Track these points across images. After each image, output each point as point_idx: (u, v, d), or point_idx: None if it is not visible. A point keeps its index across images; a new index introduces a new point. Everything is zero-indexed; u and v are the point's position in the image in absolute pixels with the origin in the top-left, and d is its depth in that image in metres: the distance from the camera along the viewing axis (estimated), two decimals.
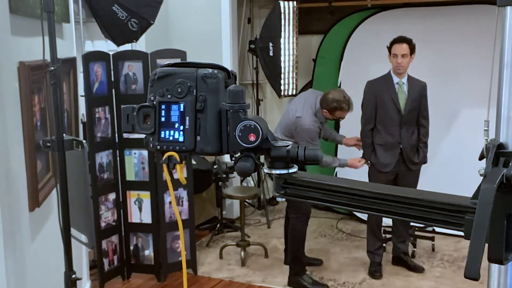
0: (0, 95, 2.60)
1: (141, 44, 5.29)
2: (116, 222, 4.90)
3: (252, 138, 1.15)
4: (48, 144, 2.80)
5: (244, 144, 1.15)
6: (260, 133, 1.15)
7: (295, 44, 6.22)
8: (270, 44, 6.03)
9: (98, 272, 4.79)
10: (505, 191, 0.90)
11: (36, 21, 2.81)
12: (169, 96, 1.19)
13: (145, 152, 4.84)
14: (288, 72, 6.21)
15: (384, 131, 4.90)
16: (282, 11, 6.01)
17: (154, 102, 1.21)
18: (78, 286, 3.01)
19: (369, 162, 4.94)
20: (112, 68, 4.76)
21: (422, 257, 5.49)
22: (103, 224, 4.77)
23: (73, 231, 3.01)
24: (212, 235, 5.98)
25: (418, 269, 5.16)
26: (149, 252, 4.97)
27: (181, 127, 1.19)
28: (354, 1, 6.55)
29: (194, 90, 1.18)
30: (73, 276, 2.92)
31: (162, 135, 1.21)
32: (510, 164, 0.91)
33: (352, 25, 6.52)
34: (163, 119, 1.20)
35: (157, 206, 4.89)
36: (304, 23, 6.50)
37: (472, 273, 0.96)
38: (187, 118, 1.18)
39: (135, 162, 4.87)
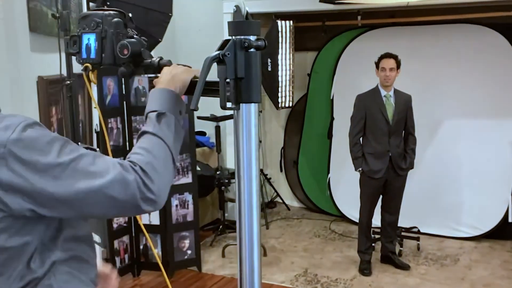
0: (21, 106, 2.60)
1: None
2: (127, 224, 4.89)
3: (125, 51, 1.55)
4: None
5: (121, 56, 1.56)
6: (130, 49, 1.55)
7: (291, 60, 6.22)
8: (269, 60, 6.03)
9: None
10: (221, 63, 1.28)
11: (54, 39, 2.81)
12: (87, 29, 1.62)
13: None
14: (285, 86, 6.21)
15: (374, 140, 4.90)
16: (280, 29, 6.02)
17: (79, 33, 1.64)
18: None
19: (360, 169, 4.93)
20: (123, 82, 4.76)
21: (408, 255, 5.48)
22: (115, 226, 4.76)
23: None
24: (215, 236, 5.96)
25: (404, 267, 5.15)
26: (157, 251, 4.96)
27: (93, 49, 1.62)
28: (345, 21, 6.54)
29: (101, 25, 1.60)
30: None
31: (83, 54, 1.64)
32: (225, 48, 1.26)
33: (343, 43, 6.53)
34: (83, 43, 1.64)
35: (165, 209, 4.88)
36: (300, 40, 6.50)
37: (193, 106, 1.31)
38: (97, 43, 1.60)
39: None
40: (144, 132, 1.46)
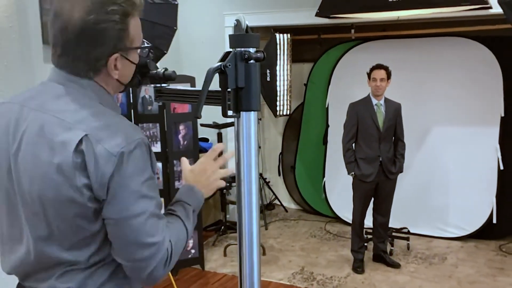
0: None
1: None
2: None
3: None
4: None
5: None
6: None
7: (289, 70, 6.22)
8: (268, 71, 6.02)
9: None
10: (223, 73, 1.29)
11: None
12: None
13: (159, 164, 4.83)
14: (283, 95, 6.21)
15: (365, 146, 4.90)
16: (278, 42, 6.02)
17: None
18: None
19: (353, 173, 4.93)
20: (131, 91, 4.77)
21: (398, 255, 5.47)
22: None
23: None
24: (218, 236, 5.96)
25: (395, 265, 5.15)
26: None
27: None
28: (339, 34, 6.56)
29: None
30: None
31: None
32: (226, 59, 1.27)
33: (338, 55, 6.54)
34: None
35: None
36: (297, 52, 6.51)
37: (196, 114, 1.32)
38: None
39: None
40: (181, 219, 1.54)
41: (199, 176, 1.66)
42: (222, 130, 5.96)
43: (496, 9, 4.07)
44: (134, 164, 1.35)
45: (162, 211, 1.57)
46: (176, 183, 4.87)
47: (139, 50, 1.51)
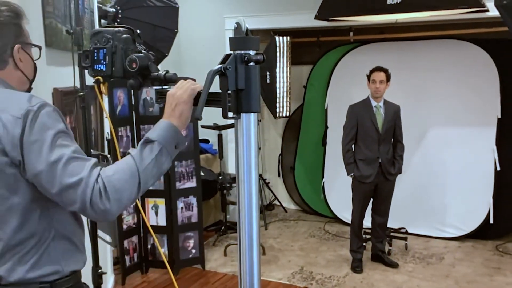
0: None
1: None
2: (136, 225, 4.89)
3: (134, 65, 1.59)
4: None
5: (130, 69, 1.60)
6: (138, 63, 1.59)
7: (288, 73, 6.22)
8: (267, 73, 6.03)
9: (121, 267, 4.77)
10: (223, 75, 1.29)
11: (68, 53, 2.81)
12: (98, 44, 1.65)
13: None
14: (283, 97, 6.21)
15: (365, 147, 4.90)
16: (278, 44, 6.03)
17: (91, 48, 1.67)
18: (104, 279, 3.00)
19: (352, 174, 4.93)
20: (132, 93, 4.77)
21: (397, 254, 5.47)
22: (125, 227, 4.75)
23: (100, 233, 3.00)
24: (218, 236, 5.95)
25: (393, 265, 5.14)
26: (164, 250, 4.95)
27: (104, 62, 1.65)
28: (338, 37, 6.56)
29: (112, 41, 1.63)
30: (99, 270, 2.91)
31: (95, 67, 1.67)
32: (227, 61, 1.28)
33: (337, 57, 6.54)
34: (95, 57, 1.66)
35: (171, 211, 4.88)
36: (296, 55, 6.51)
37: (197, 115, 1.35)
38: (107, 57, 1.64)
39: None
40: (129, 153, 1.57)
41: (165, 108, 1.61)
42: (223, 132, 5.96)
43: (493, 12, 4.07)
44: (40, 121, 1.50)
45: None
46: (177, 184, 4.87)
47: (33, 50, 1.73)
